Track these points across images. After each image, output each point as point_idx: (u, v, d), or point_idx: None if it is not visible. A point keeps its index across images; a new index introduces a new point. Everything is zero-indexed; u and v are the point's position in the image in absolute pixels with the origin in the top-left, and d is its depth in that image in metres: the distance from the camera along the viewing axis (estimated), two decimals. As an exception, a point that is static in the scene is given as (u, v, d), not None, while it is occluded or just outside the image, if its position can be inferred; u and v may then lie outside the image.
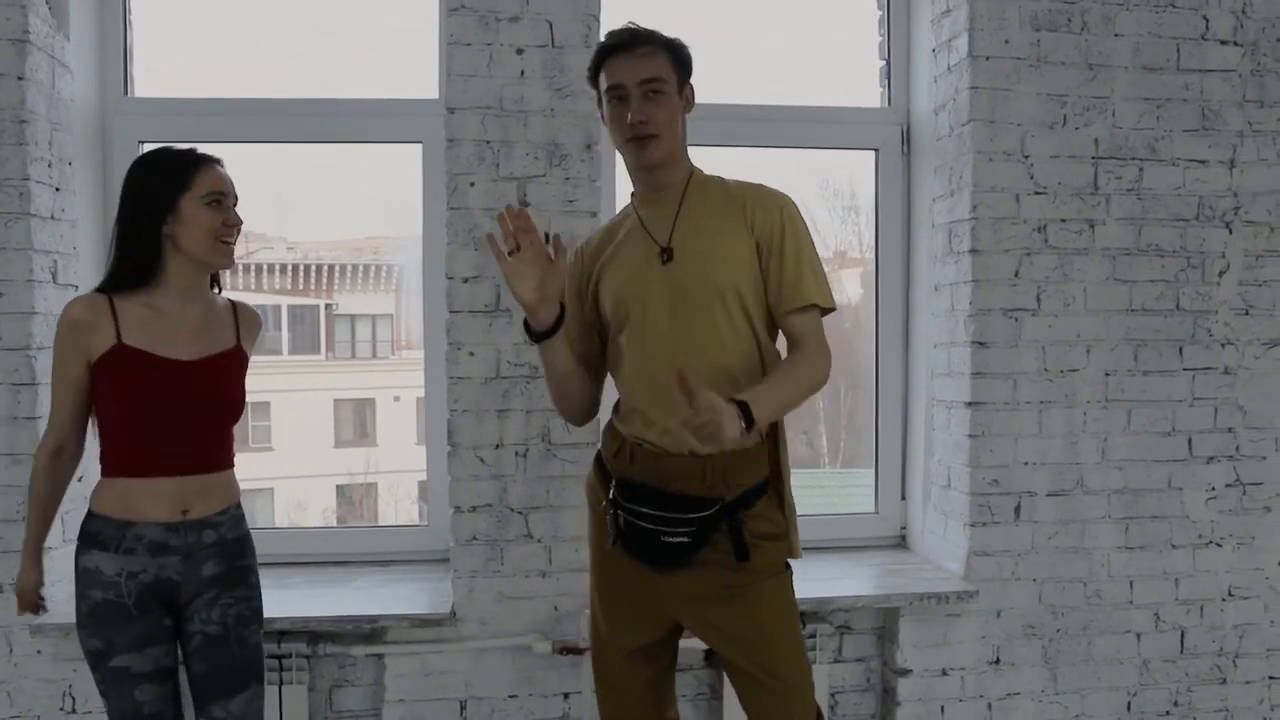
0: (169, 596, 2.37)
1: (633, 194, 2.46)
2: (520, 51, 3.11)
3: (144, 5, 3.43)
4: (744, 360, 2.31)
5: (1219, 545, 3.38)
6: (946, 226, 3.39)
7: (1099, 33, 3.27)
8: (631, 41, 2.31)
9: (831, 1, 3.90)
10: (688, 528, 2.30)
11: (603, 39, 2.37)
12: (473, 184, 3.10)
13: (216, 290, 2.49)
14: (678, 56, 2.36)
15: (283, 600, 3.08)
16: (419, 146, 3.46)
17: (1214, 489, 3.36)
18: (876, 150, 3.66)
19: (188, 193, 2.34)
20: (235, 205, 2.41)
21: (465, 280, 3.10)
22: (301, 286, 9.64)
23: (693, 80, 2.39)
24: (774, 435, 2.37)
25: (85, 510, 2.39)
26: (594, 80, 2.38)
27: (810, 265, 2.32)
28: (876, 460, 3.72)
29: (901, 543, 3.69)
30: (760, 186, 2.39)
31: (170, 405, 2.32)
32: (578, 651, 3.10)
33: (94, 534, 2.34)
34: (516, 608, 3.14)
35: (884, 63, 3.73)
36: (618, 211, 2.57)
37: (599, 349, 2.48)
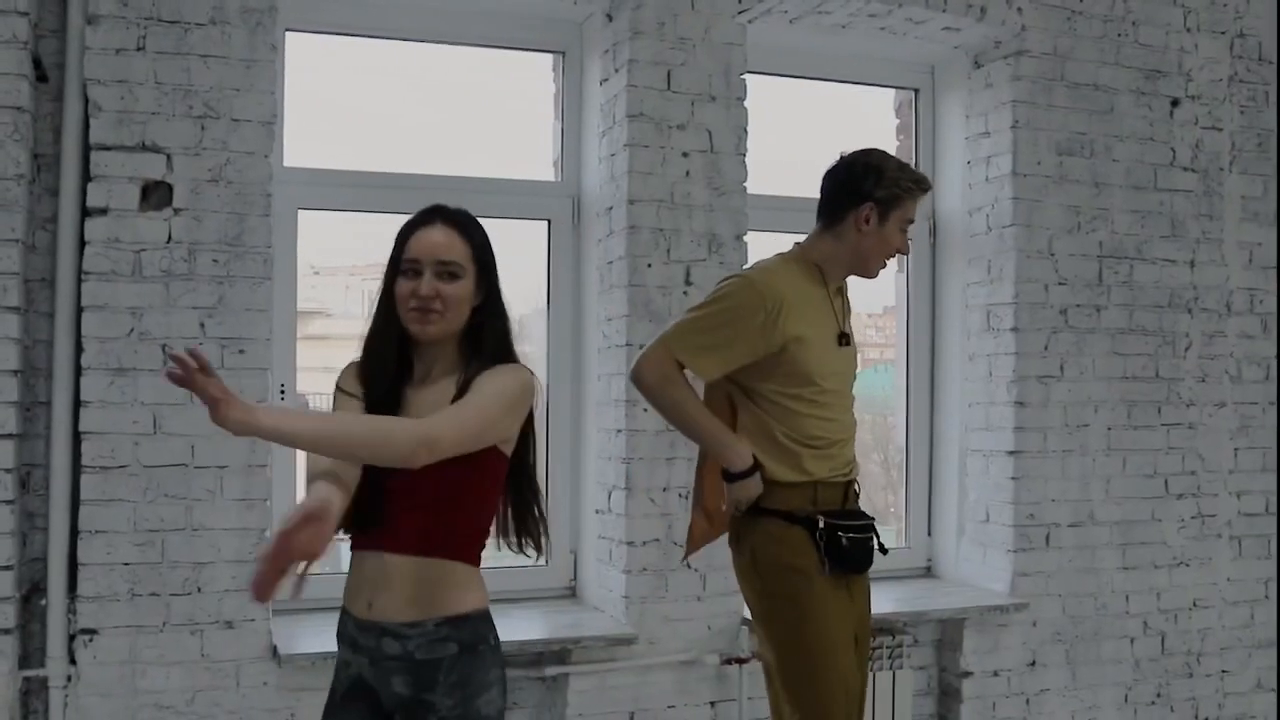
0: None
1: (808, 263, 2.82)
2: (686, 155, 3.61)
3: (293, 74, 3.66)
4: None
5: (1187, 565, 4.27)
6: (984, 308, 4.14)
7: (1102, 158, 4.14)
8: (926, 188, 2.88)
9: (852, 103, 4.59)
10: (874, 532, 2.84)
11: (923, 180, 2.86)
12: (649, 265, 3.56)
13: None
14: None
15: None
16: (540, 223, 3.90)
17: (1183, 520, 4.26)
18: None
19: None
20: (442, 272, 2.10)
21: (642, 347, 3.53)
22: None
23: None
24: None
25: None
26: (899, 198, 2.76)
27: None
28: (906, 503, 4.40)
29: (928, 572, 4.38)
30: None
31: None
32: (741, 661, 3.60)
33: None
34: (678, 628, 3.58)
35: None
36: (788, 260, 2.85)
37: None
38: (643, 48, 3.57)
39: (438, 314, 2.11)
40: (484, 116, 4.08)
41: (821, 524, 2.72)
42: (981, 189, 4.18)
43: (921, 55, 4.29)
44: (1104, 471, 4.14)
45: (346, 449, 1.97)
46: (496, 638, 2.15)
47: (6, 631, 3.00)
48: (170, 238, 3.14)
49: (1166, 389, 4.24)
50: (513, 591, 3.82)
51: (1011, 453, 4.03)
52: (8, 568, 2.99)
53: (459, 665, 2.06)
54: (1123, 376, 4.17)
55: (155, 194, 3.14)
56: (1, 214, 2.98)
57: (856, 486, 2.87)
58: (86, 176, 3.10)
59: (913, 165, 4.36)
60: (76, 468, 3.10)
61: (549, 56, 3.96)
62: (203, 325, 3.16)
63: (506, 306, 2.24)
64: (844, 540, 2.74)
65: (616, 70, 3.65)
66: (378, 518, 2.06)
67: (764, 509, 2.75)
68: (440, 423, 1.99)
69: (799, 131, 4.47)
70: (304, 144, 3.67)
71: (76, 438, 3.10)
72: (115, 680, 3.09)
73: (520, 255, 4.00)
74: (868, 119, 4.57)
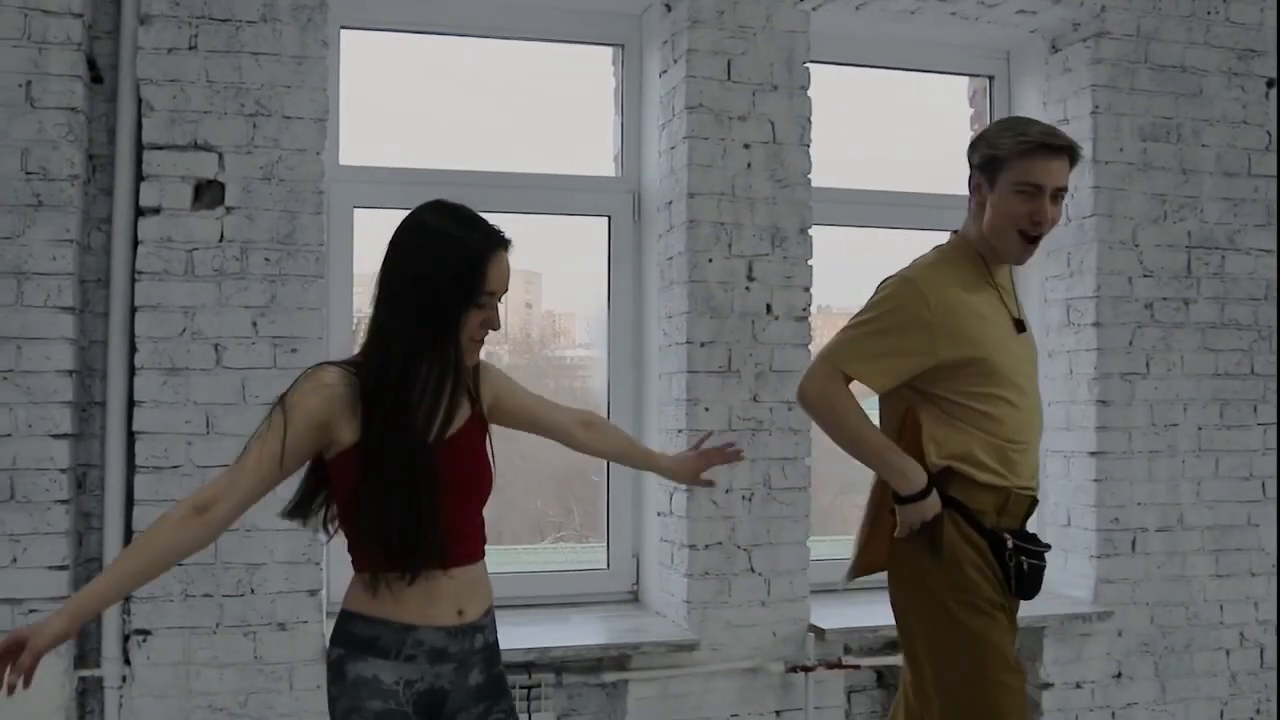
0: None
1: (970, 251, 2.57)
2: (747, 146, 3.50)
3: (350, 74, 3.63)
4: None
5: (1287, 572, 4.03)
6: (1064, 302, 3.96)
7: (1190, 143, 3.93)
8: (1068, 151, 2.51)
9: (923, 91, 4.42)
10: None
11: (1037, 135, 2.50)
12: (710, 260, 3.45)
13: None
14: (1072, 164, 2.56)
15: (528, 635, 3.30)
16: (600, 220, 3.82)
17: (1282, 525, 4.03)
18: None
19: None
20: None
21: (702, 345, 3.44)
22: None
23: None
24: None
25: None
26: (998, 159, 2.48)
27: None
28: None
29: (1006, 578, 4.19)
30: None
31: None
32: (807, 669, 3.46)
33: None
34: (741, 634, 3.46)
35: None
36: (944, 252, 2.61)
37: None
38: (701, 37, 3.47)
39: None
40: (544, 112, 4.01)
41: (1010, 544, 2.49)
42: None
43: (996, 40, 4.12)
44: (1194, 473, 3.92)
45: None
46: None
47: (63, 631, 2.99)
48: (222, 236, 3.12)
49: (1262, 386, 4.00)
50: (574, 596, 3.74)
51: (1094, 453, 3.83)
52: (63, 567, 2.99)
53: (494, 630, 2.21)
54: (1214, 373, 3.95)
55: (207, 193, 3.12)
56: (57, 214, 2.99)
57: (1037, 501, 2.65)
58: (140, 176, 3.10)
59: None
60: (131, 468, 3.09)
61: (608, 49, 3.89)
62: (255, 324, 3.14)
63: None
64: (1025, 565, 2.50)
65: (675, 61, 3.55)
66: (438, 549, 2.02)
67: (952, 500, 2.49)
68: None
69: (869, 123, 4.33)
70: (361, 143, 3.64)
71: (130, 438, 3.09)
72: (169, 681, 3.07)
73: (583, 253, 3.93)
74: (940, 108, 4.40)
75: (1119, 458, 3.85)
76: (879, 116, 4.37)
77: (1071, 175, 2.55)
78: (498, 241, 2.03)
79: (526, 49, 3.88)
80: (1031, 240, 2.53)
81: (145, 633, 3.07)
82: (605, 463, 3.76)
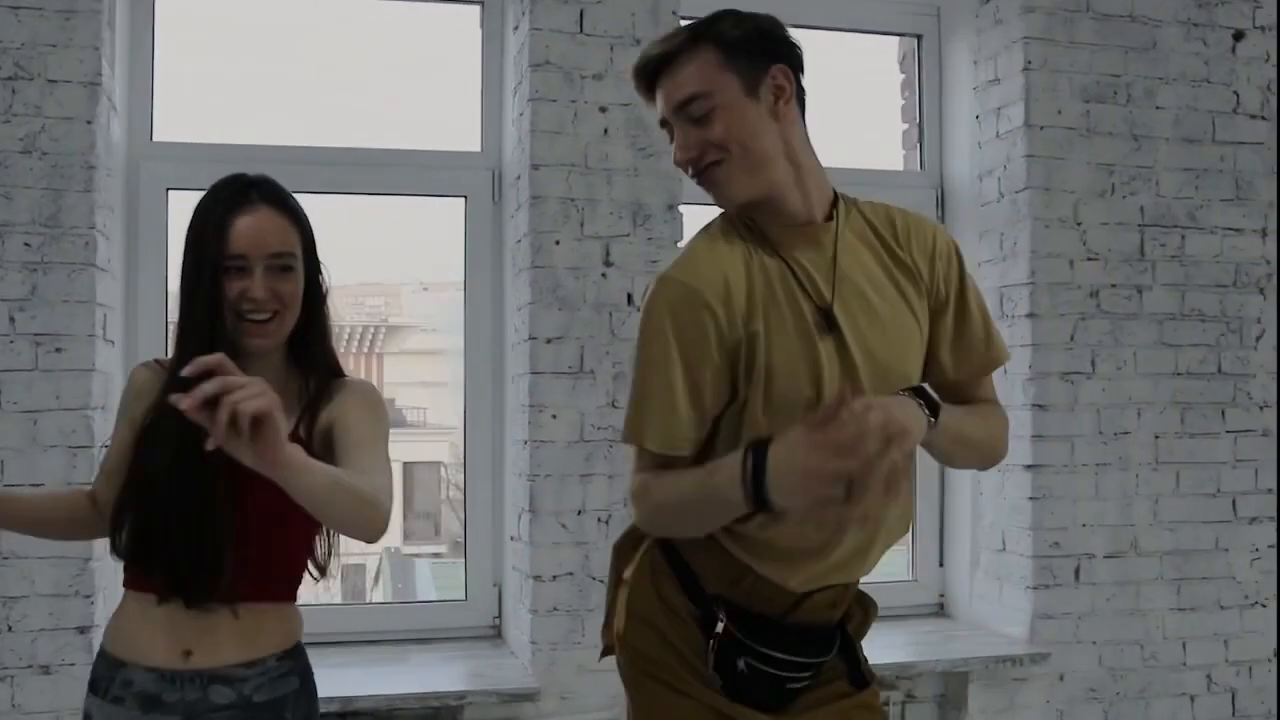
0: None
1: (749, 221, 1.81)
2: (604, 110, 3.02)
3: (170, 45, 3.22)
4: None
5: (1264, 605, 3.45)
6: (997, 290, 3.42)
7: (1143, 105, 3.38)
8: (656, 61, 1.76)
9: (849, 65, 3.92)
10: (814, 669, 1.83)
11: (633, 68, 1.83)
12: (557, 242, 2.97)
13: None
14: (728, 43, 1.74)
15: (344, 679, 2.84)
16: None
17: (1257, 549, 3.44)
18: (911, 215, 3.68)
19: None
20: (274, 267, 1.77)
21: (549, 341, 2.96)
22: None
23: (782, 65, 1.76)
24: None
25: None
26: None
27: (990, 316, 1.92)
28: (912, 528, 3.69)
29: (940, 610, 3.66)
30: (911, 214, 1.89)
31: None
32: (666, 729, 2.93)
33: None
34: (595, 680, 2.96)
35: (908, 126, 3.79)
36: (716, 226, 1.83)
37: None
38: (539, -18, 3.00)
39: (274, 320, 1.77)
40: (406, 82, 3.58)
41: (720, 627, 1.77)
42: (992, 148, 3.46)
43: (922, -7, 3.62)
44: (1151, 490, 3.36)
45: (348, 507, 1.59)
46: None
47: None
48: (-27, 218, 2.72)
49: (1233, 387, 3.44)
50: (429, 631, 3.28)
51: (1030, 467, 3.30)
52: None
53: None
54: (1174, 372, 3.39)
55: (-41, 169, 2.72)
56: None
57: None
58: (-122, 150, 2.70)
59: (915, 125, 3.74)
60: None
61: (474, 8, 3.43)
62: (12, 320, 2.72)
63: (327, 287, 1.89)
64: (742, 665, 1.78)
65: (524, 14, 3.09)
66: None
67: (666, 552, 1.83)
68: (384, 497, 1.66)
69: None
70: (186, 118, 3.24)
71: None
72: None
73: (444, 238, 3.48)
74: (866, 73, 3.89)
75: (1059, 472, 3.30)
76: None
77: (704, 70, 1.72)
78: (245, 196, 1.76)
79: (384, 9, 3.45)
80: (699, 180, 1.78)
81: (-116, 677, 2.67)
82: (464, 470, 3.32)
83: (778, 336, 1.71)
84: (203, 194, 1.80)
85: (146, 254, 3.11)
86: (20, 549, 2.70)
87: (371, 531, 1.63)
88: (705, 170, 1.75)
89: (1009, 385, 3.36)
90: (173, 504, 1.70)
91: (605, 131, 3.03)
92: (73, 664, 2.73)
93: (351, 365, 9.06)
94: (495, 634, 3.30)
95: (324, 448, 1.74)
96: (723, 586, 1.78)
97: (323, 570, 1.89)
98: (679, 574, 1.80)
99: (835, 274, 1.76)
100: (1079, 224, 3.34)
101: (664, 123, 1.79)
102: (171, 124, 3.20)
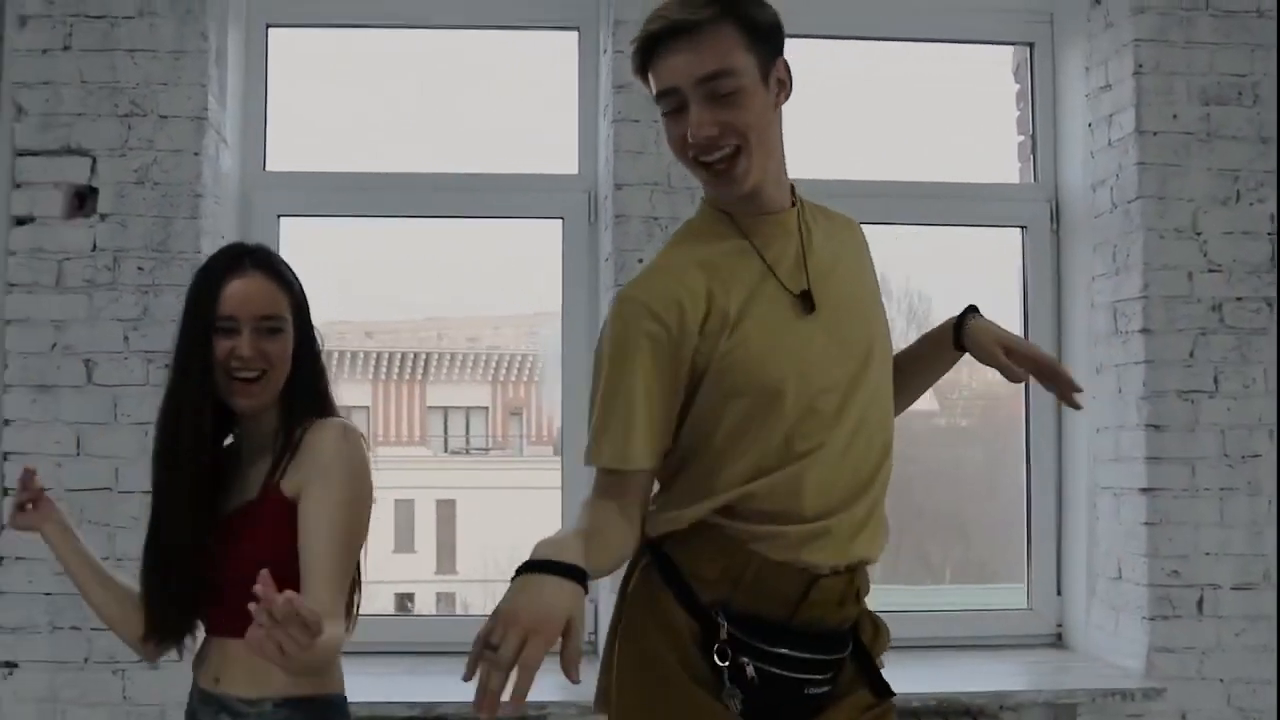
0: None
1: (714, 205, 1.81)
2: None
3: (282, 76, 3.41)
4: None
5: None
6: (1110, 305, 3.26)
7: (1271, 105, 3.17)
8: (683, 26, 1.67)
9: (965, 76, 3.82)
10: (832, 670, 1.77)
11: (645, 27, 1.75)
12: (640, 260, 3.00)
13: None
14: (753, 26, 1.70)
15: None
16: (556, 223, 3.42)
17: None
18: (1024, 227, 3.55)
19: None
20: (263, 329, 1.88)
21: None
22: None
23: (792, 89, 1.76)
24: None
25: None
26: (634, 69, 1.82)
27: None
28: (1029, 553, 3.52)
29: (1057, 641, 3.48)
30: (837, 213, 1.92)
31: None
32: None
33: None
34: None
35: (1024, 138, 3.65)
36: (695, 224, 1.83)
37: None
38: (630, 5, 3.03)
39: (262, 379, 1.89)
40: (503, 106, 3.68)
41: (724, 633, 1.71)
42: (1105, 156, 3.30)
43: (1028, 2, 3.49)
44: (1287, 517, 3.12)
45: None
46: None
47: (-73, 661, 2.86)
48: (95, 246, 2.94)
49: (1378, 408, 3.16)
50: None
51: (1145, 490, 3.11)
52: (-70, 583, 2.86)
53: None
54: (1310, 392, 3.15)
55: (89, 200, 2.96)
56: (-74, 225, 2.89)
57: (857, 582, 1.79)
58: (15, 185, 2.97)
59: (1030, 137, 3.61)
60: (5, 490, 2.94)
61: (573, 34, 3.50)
62: (126, 338, 2.93)
63: (320, 348, 2.01)
64: (751, 672, 1.70)
65: (610, 37, 3.15)
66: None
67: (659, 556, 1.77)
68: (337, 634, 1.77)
69: (894, 105, 3.77)
70: (296, 148, 3.43)
71: (4, 459, 2.94)
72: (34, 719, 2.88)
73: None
74: (981, 85, 3.78)
75: (1178, 496, 3.10)
76: (914, 96, 3.81)
77: (732, 48, 1.67)
78: (239, 262, 1.91)
79: (484, 39, 3.56)
80: (708, 167, 1.71)
81: (11, 665, 2.89)
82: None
83: (754, 328, 1.70)
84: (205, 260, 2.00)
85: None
86: (132, 551, 2.88)
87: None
88: (721, 158, 1.70)
89: (1123, 405, 3.19)
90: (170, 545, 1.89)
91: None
92: (179, 660, 2.88)
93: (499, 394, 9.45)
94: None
95: (293, 513, 1.84)
96: (723, 589, 1.72)
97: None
98: (675, 589, 1.74)
99: (807, 259, 1.77)
100: (1198, 234, 3.14)
101: (667, 94, 1.71)
102: (284, 154, 3.40)
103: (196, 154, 2.96)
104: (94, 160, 2.95)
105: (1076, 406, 1.87)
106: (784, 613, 1.72)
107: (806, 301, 1.74)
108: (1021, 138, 3.68)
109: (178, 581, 1.88)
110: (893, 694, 1.84)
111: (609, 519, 1.68)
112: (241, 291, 1.87)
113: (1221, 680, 3.09)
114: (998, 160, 3.76)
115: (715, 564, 1.72)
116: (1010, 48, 3.70)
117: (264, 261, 1.94)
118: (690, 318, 1.68)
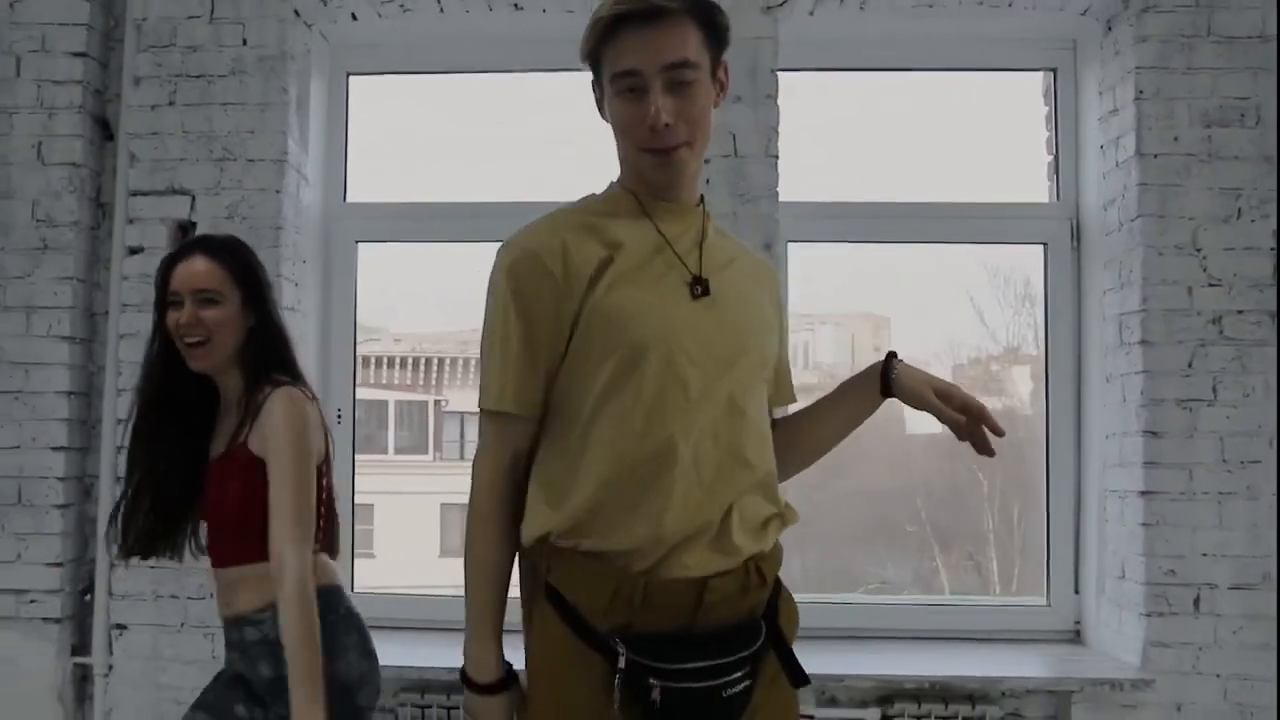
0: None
1: (625, 186, 1.89)
2: (707, 160, 3.35)
3: (363, 117, 3.85)
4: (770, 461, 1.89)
5: None
6: (1117, 319, 3.42)
7: (1274, 127, 3.29)
8: (664, 10, 1.74)
9: (996, 98, 4.01)
10: (747, 666, 1.77)
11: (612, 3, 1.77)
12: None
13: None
14: (711, 26, 1.81)
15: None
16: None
17: None
18: (1045, 244, 3.73)
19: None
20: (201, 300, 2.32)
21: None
22: (410, 381, 9.02)
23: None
24: None
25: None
26: (591, 53, 1.82)
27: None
28: (1048, 551, 3.70)
29: (1076, 638, 3.64)
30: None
31: None
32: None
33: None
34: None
35: (1050, 158, 3.82)
36: (582, 199, 1.93)
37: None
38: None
39: (207, 344, 2.32)
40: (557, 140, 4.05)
41: (622, 661, 1.71)
42: (1113, 177, 3.47)
43: (1052, 29, 3.66)
44: (1285, 522, 3.24)
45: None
46: None
47: (57, 620, 3.37)
48: (193, 271, 3.42)
49: (1382, 417, 3.25)
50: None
51: (1144, 493, 3.27)
52: (58, 564, 3.38)
53: None
54: (1310, 401, 3.25)
55: (184, 232, 3.44)
56: (59, 256, 3.42)
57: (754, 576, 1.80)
58: (129, 220, 3.47)
59: (1054, 158, 3.78)
60: (115, 479, 3.44)
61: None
62: (220, 350, 3.40)
63: (281, 324, 2.48)
64: (656, 694, 1.71)
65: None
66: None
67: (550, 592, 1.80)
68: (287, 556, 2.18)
69: (930, 131, 4.00)
70: (381, 179, 3.87)
71: (118, 453, 3.45)
72: (140, 674, 3.37)
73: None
74: (1014, 108, 3.96)
75: (1177, 499, 3.26)
76: (950, 122, 4.03)
77: (695, 41, 1.78)
78: (188, 249, 2.40)
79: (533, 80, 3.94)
80: (657, 154, 1.79)
81: (123, 627, 3.39)
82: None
83: (634, 289, 1.76)
84: None
85: (339, 296, 3.74)
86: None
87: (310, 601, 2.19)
88: (675, 145, 1.78)
89: (1124, 412, 3.35)
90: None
91: (707, 181, 3.35)
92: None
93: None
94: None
95: (263, 467, 2.25)
96: (617, 614, 1.73)
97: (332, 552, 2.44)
98: (569, 620, 1.76)
99: (702, 250, 1.86)
100: (1198, 250, 3.29)
101: (627, 75, 1.76)
102: (365, 185, 3.83)
103: (278, 191, 3.41)
104: (193, 198, 3.43)
105: (989, 454, 1.84)
106: (684, 622, 1.72)
107: (699, 284, 1.81)
108: (1049, 158, 3.85)
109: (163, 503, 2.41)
110: (808, 681, 1.86)
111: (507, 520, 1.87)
112: (184, 271, 2.33)
113: (1218, 675, 3.23)
114: (1029, 180, 3.94)
115: (603, 593, 1.73)
116: (1041, 73, 3.88)
117: (207, 246, 2.38)
118: (576, 267, 1.76)
